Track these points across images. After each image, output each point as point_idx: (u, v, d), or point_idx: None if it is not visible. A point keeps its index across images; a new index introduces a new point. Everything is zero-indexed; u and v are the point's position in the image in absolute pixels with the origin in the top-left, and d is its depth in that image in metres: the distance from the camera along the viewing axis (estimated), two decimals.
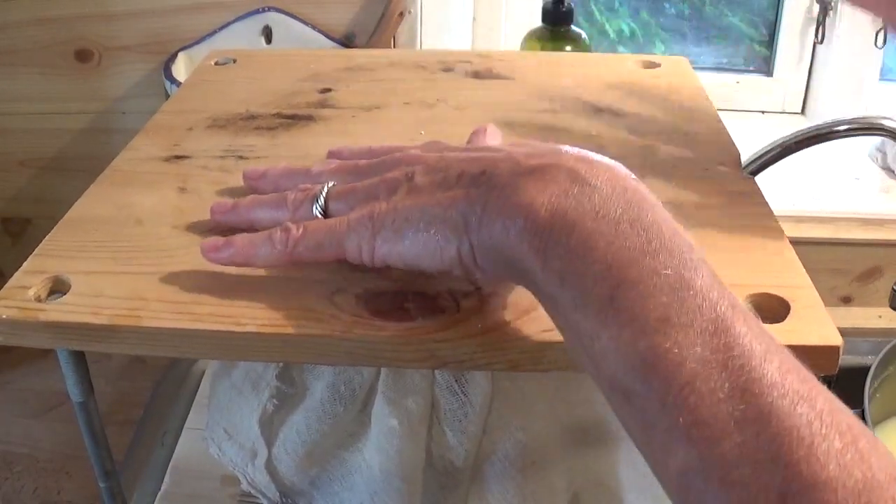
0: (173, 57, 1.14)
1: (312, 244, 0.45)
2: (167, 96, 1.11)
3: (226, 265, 0.47)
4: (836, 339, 0.44)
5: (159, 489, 0.86)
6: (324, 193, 0.47)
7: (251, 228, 0.49)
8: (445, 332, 0.44)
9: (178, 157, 0.63)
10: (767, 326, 0.45)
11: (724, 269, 0.49)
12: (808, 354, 0.43)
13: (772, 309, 0.46)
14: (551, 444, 0.61)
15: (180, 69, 1.14)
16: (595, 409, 0.60)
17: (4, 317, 0.46)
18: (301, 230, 0.45)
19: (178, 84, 1.06)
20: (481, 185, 0.40)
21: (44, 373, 1.12)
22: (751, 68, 1.34)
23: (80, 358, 0.50)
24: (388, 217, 0.43)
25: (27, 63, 1.20)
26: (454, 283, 0.48)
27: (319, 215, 0.47)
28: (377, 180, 0.46)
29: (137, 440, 0.96)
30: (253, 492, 0.69)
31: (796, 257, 0.50)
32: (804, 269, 0.49)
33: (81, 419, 0.54)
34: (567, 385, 0.60)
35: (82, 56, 1.20)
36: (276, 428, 0.65)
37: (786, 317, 0.45)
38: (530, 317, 0.45)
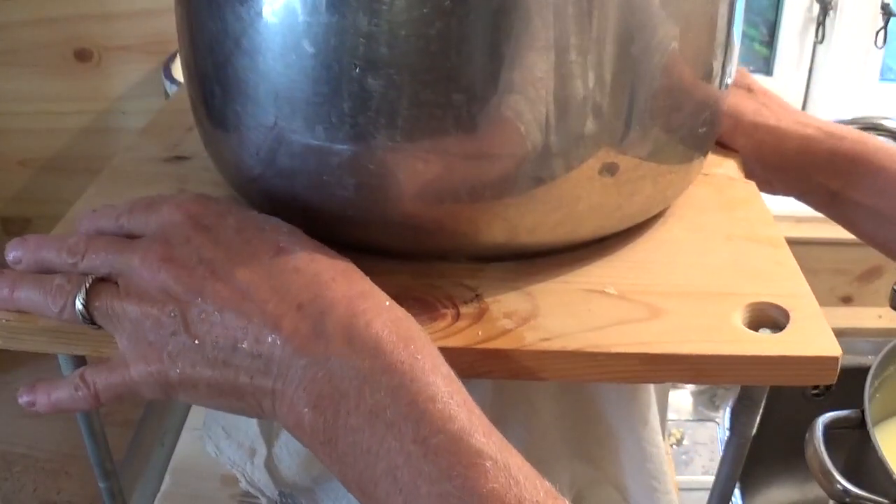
0: (173, 57, 1.13)
1: (114, 395, 0.43)
2: (167, 96, 1.11)
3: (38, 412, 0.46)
4: (836, 350, 0.44)
5: (159, 489, 0.86)
6: (81, 300, 0.43)
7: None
8: (445, 340, 0.44)
9: (178, 158, 0.63)
10: (767, 336, 0.45)
11: (723, 278, 0.49)
12: (807, 365, 0.43)
13: (771, 318, 0.46)
14: (554, 442, 0.61)
15: (180, 69, 1.14)
16: (597, 407, 0.60)
17: (3, 321, 0.46)
18: (94, 388, 0.43)
19: (178, 84, 1.06)
20: (261, 377, 0.40)
21: (44, 373, 1.11)
22: (751, 68, 1.34)
23: (80, 359, 0.50)
24: (179, 387, 0.41)
25: (27, 63, 1.20)
26: (454, 290, 0.48)
27: (84, 319, 0.43)
28: (141, 314, 0.42)
29: (137, 440, 0.96)
30: (251, 490, 0.69)
31: (796, 265, 0.50)
32: (804, 278, 0.49)
33: (81, 419, 0.54)
34: (569, 384, 0.60)
35: (82, 56, 1.20)
36: (276, 428, 0.65)
37: (785, 326, 0.45)
38: (530, 325, 0.45)
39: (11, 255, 0.46)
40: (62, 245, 0.45)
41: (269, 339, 0.39)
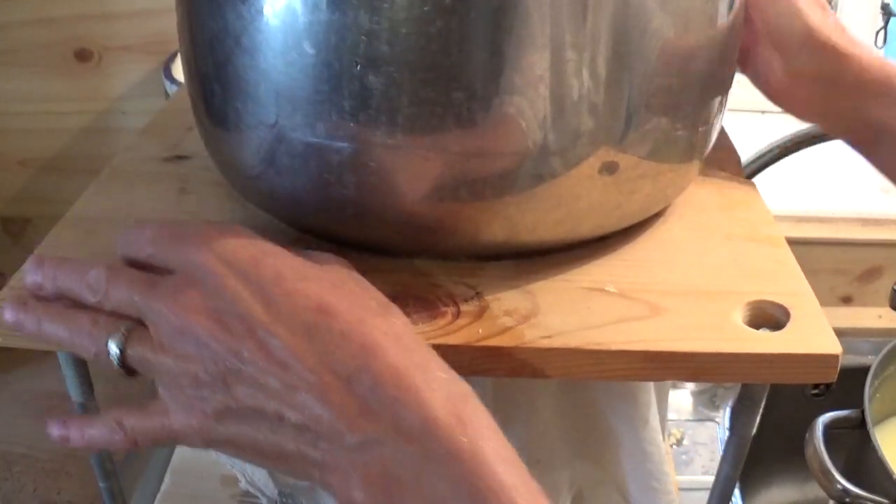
0: (173, 57, 1.13)
1: (152, 441, 0.41)
2: (167, 96, 1.11)
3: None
4: (836, 348, 0.44)
5: (159, 489, 0.86)
6: (116, 349, 0.40)
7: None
8: (446, 338, 0.44)
9: (178, 158, 0.63)
10: (767, 334, 0.45)
11: (723, 277, 0.49)
12: (808, 363, 0.43)
13: (771, 316, 0.46)
14: (554, 441, 0.61)
15: (180, 69, 1.14)
16: (598, 406, 0.60)
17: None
18: (131, 433, 0.41)
19: (178, 84, 1.06)
20: (309, 448, 0.37)
21: (44, 373, 1.12)
22: None
23: (80, 358, 0.50)
24: (223, 445, 0.39)
25: (27, 63, 1.20)
26: (455, 288, 0.48)
27: (120, 368, 0.40)
28: (178, 370, 0.39)
29: None
30: (251, 490, 0.69)
31: (796, 264, 0.50)
32: (804, 276, 0.49)
33: None
34: (570, 383, 0.60)
35: (82, 56, 1.20)
36: None
37: (786, 324, 0.46)
38: (530, 323, 0.45)
39: (30, 279, 0.43)
40: (82, 278, 0.42)
41: (316, 413, 0.36)
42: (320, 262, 0.42)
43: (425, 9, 0.41)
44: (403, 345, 0.38)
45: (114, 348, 0.40)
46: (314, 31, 0.42)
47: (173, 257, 0.41)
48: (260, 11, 0.44)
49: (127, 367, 0.40)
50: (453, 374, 0.38)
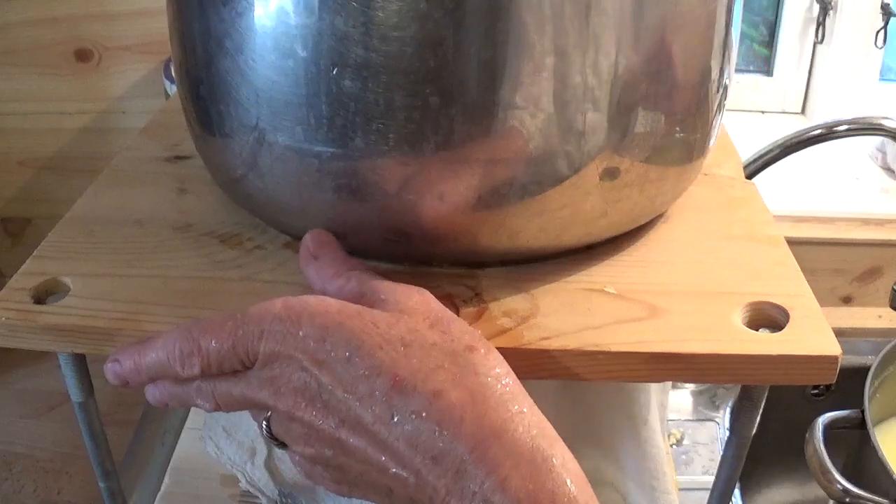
0: None
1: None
2: (167, 96, 1.11)
3: None
4: (835, 349, 0.44)
5: (159, 489, 0.86)
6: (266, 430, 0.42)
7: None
8: None
9: (178, 158, 0.63)
10: (766, 335, 0.45)
11: (723, 277, 0.49)
12: (807, 364, 0.43)
13: (770, 318, 0.46)
14: None
15: None
16: (597, 406, 0.60)
17: (3, 319, 0.46)
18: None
19: None
20: None
21: (44, 373, 1.12)
22: (751, 68, 1.34)
23: (80, 358, 0.50)
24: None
25: (27, 63, 1.20)
26: (454, 289, 0.48)
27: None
28: (306, 456, 0.41)
29: (137, 440, 0.96)
30: (252, 490, 0.69)
31: (796, 265, 0.50)
32: (804, 277, 0.49)
33: (81, 419, 0.54)
34: (569, 383, 0.60)
35: (82, 56, 1.20)
36: None
37: (785, 325, 0.45)
38: (529, 324, 0.45)
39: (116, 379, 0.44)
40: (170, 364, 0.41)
41: (413, 490, 0.37)
42: (393, 300, 0.41)
43: (401, 13, 0.40)
44: (480, 407, 0.37)
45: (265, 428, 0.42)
46: (293, 35, 0.42)
47: (252, 350, 0.40)
48: (240, 14, 0.43)
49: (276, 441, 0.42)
50: (536, 434, 0.38)
